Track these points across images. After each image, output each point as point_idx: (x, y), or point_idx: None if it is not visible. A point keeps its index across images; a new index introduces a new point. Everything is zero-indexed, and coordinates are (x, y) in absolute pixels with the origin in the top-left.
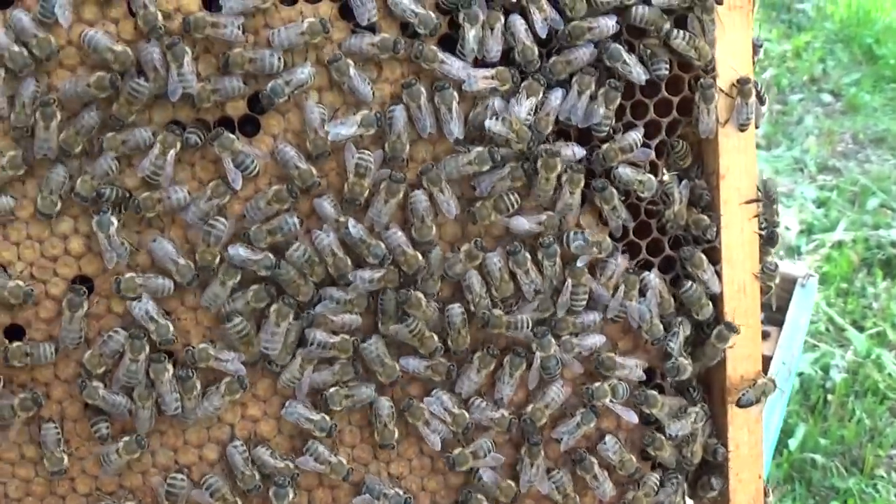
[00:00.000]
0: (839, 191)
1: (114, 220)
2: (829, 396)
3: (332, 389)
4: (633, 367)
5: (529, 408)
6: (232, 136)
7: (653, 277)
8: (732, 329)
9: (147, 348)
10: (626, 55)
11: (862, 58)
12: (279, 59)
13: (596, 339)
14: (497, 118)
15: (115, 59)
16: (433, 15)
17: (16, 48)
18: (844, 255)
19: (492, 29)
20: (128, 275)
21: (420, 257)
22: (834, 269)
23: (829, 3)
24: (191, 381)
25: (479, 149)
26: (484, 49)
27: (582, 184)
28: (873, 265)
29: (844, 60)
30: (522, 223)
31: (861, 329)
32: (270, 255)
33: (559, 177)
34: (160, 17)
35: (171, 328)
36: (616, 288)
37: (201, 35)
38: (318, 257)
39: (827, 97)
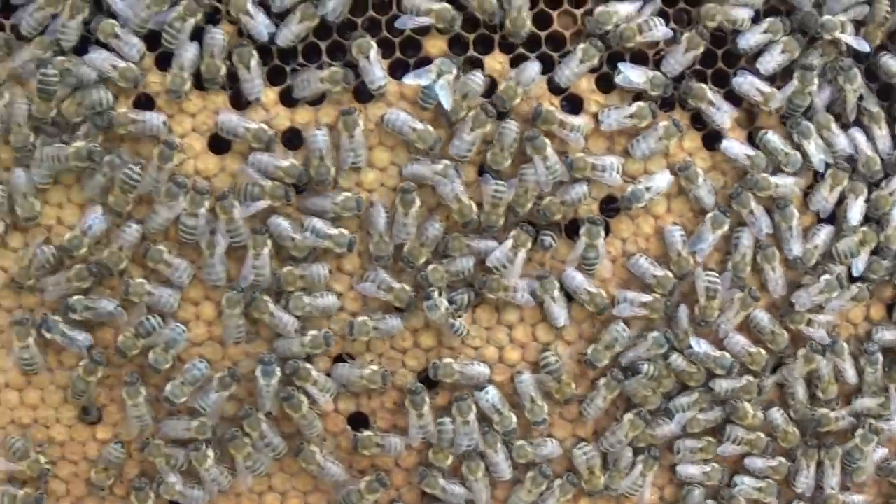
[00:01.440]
0: None
1: (443, 301)
2: None
3: None
4: None
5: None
6: (602, 230)
7: None
8: None
9: (475, 408)
10: None
11: None
12: (619, 170)
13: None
14: (852, 257)
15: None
16: (799, 154)
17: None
18: None
19: (829, 129)
20: (445, 360)
21: (765, 354)
22: None
23: None
24: (545, 480)
25: (828, 277)
26: (833, 149)
27: None
28: None
29: None
30: (887, 336)
31: None
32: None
33: None
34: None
35: (515, 419)
36: None
37: (546, 128)
38: (666, 371)
39: None
